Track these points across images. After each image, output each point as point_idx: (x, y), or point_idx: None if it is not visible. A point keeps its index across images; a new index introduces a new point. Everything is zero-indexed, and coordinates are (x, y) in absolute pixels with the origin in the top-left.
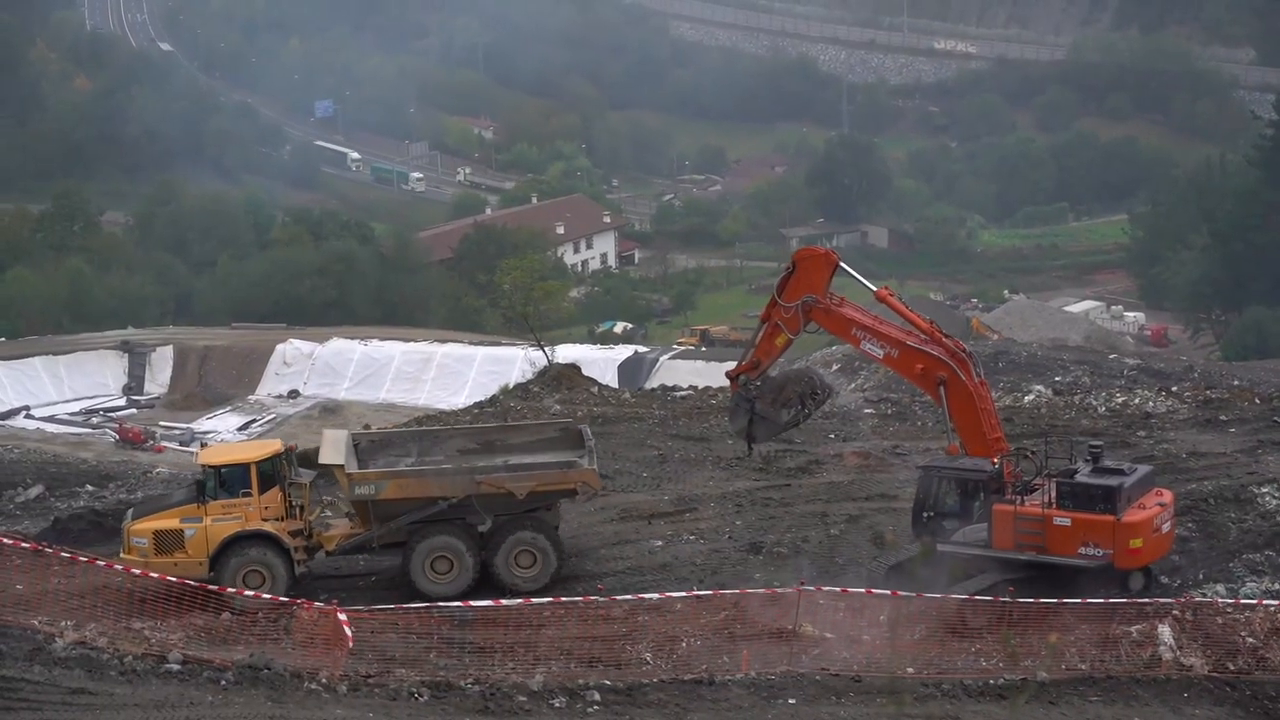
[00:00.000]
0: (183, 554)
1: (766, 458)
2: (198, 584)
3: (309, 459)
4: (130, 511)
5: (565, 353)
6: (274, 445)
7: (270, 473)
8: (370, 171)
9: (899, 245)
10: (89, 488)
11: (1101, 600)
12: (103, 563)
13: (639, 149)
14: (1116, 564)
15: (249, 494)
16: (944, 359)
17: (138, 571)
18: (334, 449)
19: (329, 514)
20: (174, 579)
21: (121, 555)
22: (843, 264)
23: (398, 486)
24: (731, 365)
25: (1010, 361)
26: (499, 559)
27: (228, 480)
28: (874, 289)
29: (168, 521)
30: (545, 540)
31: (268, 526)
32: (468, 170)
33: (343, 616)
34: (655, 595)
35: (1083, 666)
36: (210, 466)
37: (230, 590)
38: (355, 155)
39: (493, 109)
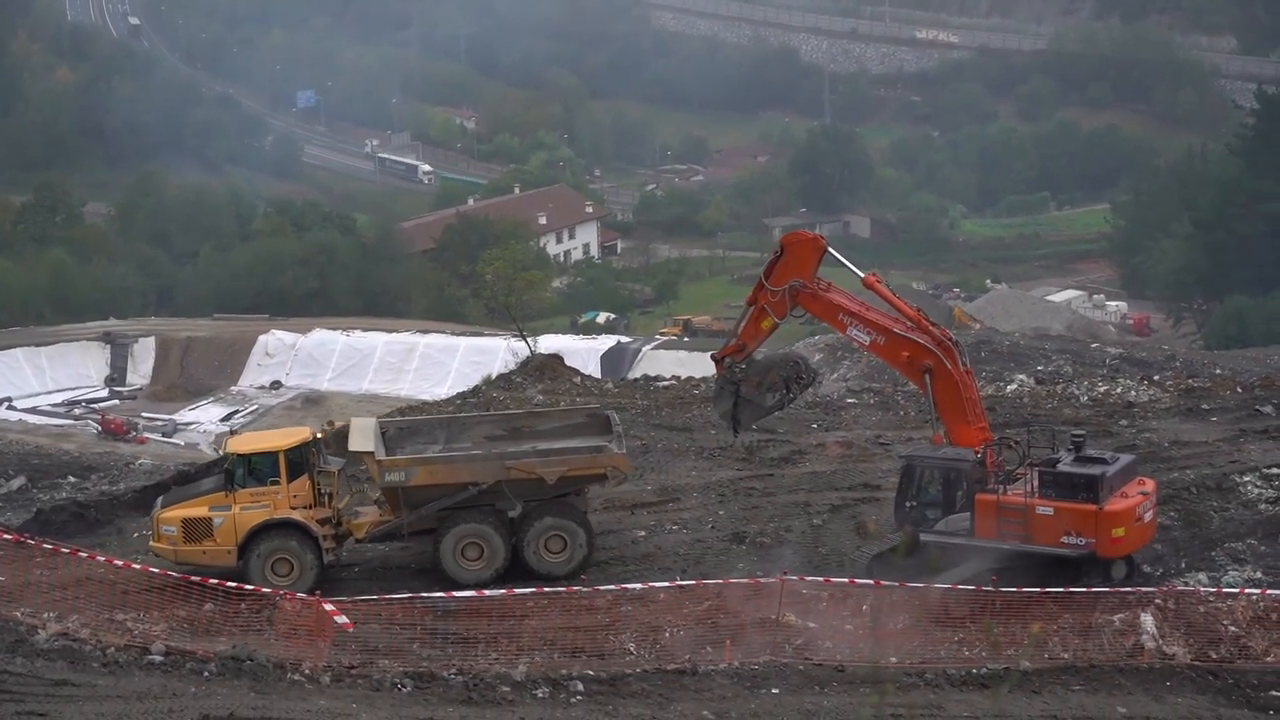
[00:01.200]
0: (211, 542)
1: (749, 447)
2: (180, 575)
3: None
4: (160, 499)
5: (548, 343)
6: (303, 433)
7: (299, 461)
8: (440, 183)
9: (881, 235)
10: (71, 479)
11: (1084, 589)
12: (85, 554)
13: (621, 139)
14: (1099, 553)
15: (277, 482)
16: (930, 347)
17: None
18: (363, 436)
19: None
20: (204, 567)
21: (151, 544)
22: (831, 249)
23: (428, 473)
24: (715, 352)
25: (992, 351)
26: (529, 544)
27: (256, 468)
28: (862, 275)
29: (196, 510)
30: (575, 525)
31: (296, 515)
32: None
33: (330, 607)
34: (638, 585)
35: (1065, 655)
36: (239, 454)
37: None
38: (427, 168)
39: (475, 99)
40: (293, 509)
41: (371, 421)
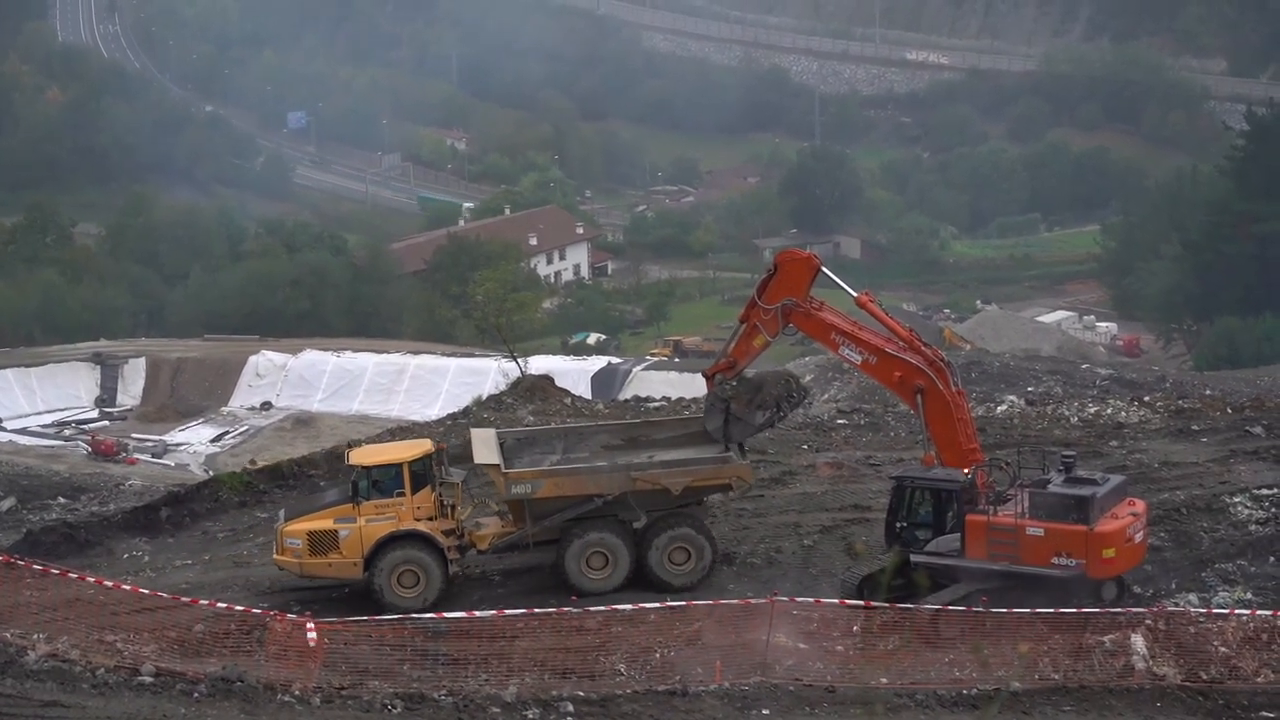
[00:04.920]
0: (337, 555)
1: None
2: (170, 595)
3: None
4: (282, 512)
5: (538, 364)
6: (425, 445)
7: (422, 472)
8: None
9: (871, 256)
10: (61, 500)
11: (1074, 610)
12: (75, 575)
13: (612, 160)
14: (1089, 574)
15: (402, 494)
16: (922, 367)
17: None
18: (486, 448)
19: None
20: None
21: (275, 557)
22: (824, 269)
23: (554, 485)
24: (707, 368)
25: (983, 372)
26: (653, 555)
27: (380, 481)
28: (854, 294)
29: (322, 522)
30: (700, 536)
31: (421, 526)
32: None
33: (311, 626)
34: (629, 606)
35: (1056, 676)
36: (363, 466)
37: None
38: None
39: (466, 120)
40: (417, 520)
41: (491, 433)
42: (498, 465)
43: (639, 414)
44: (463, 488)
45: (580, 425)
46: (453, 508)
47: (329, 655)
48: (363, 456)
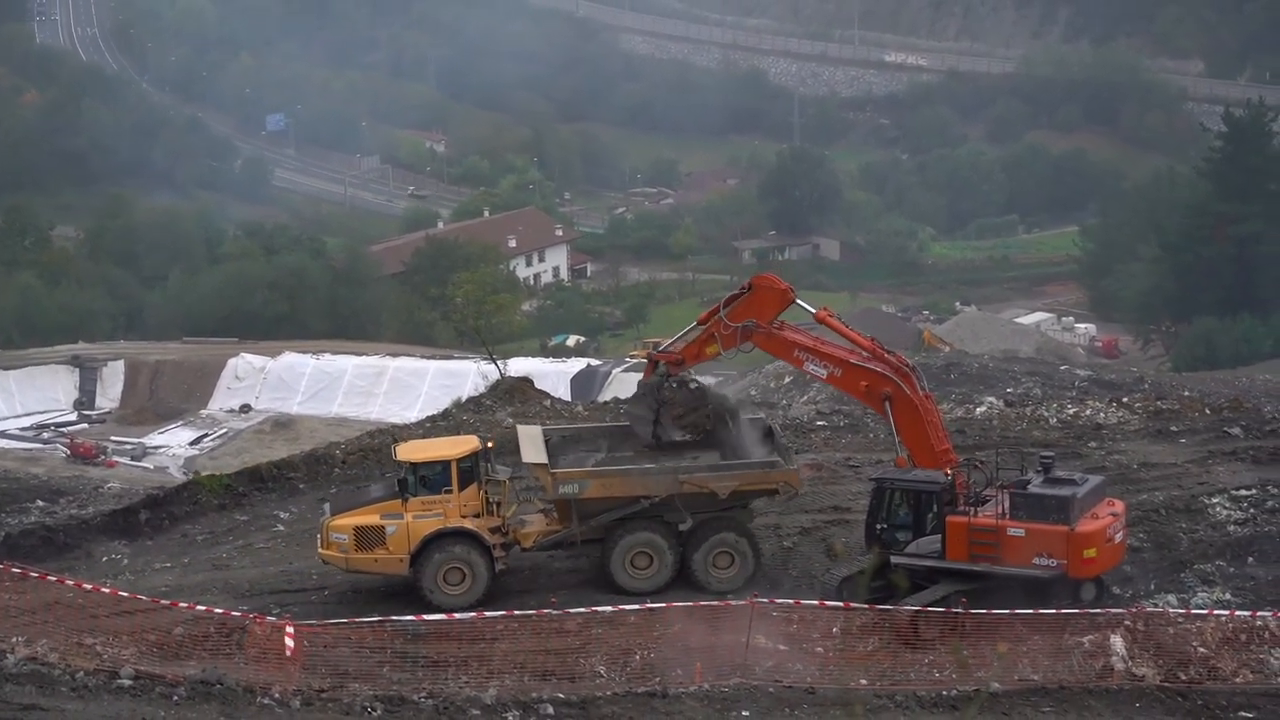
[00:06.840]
0: (384, 550)
1: None
2: (149, 599)
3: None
4: (327, 506)
5: (518, 366)
6: (473, 441)
7: (469, 470)
8: None
9: (850, 257)
10: (40, 503)
11: (1054, 611)
12: (54, 578)
13: (591, 162)
14: (1070, 574)
15: (450, 491)
16: (887, 374)
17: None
18: (534, 447)
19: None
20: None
21: (320, 551)
22: (799, 301)
23: (601, 485)
24: (655, 352)
25: (961, 373)
26: (698, 560)
27: (428, 477)
28: (813, 311)
29: (369, 518)
30: (745, 541)
31: (468, 524)
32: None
33: (290, 630)
34: (608, 608)
35: (1035, 677)
36: (411, 463)
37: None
38: None
39: (444, 123)
40: (464, 518)
41: (538, 430)
42: (545, 464)
43: (619, 416)
44: (509, 485)
45: (626, 423)
46: (498, 505)
47: (309, 657)
48: (411, 453)
